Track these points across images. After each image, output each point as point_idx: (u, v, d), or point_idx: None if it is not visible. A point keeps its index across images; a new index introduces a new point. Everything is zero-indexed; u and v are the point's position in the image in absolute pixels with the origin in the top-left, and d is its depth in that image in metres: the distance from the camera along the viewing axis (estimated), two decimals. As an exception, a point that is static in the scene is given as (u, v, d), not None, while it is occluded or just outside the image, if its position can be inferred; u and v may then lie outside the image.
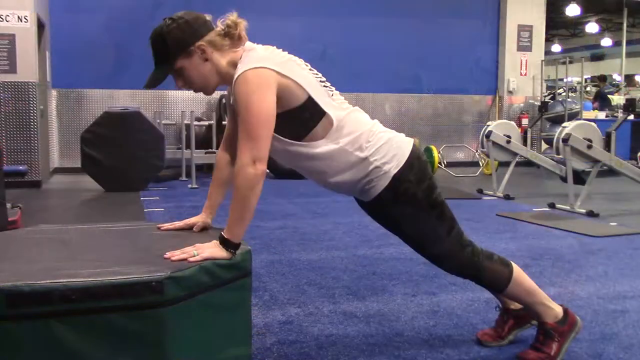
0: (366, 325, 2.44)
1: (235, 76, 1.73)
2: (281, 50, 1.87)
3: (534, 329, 2.17)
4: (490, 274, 2.04)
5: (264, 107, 1.70)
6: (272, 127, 1.72)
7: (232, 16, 1.83)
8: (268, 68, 1.73)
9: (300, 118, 1.80)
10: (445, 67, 9.81)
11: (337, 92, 1.95)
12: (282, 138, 1.82)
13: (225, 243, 1.65)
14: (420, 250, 2.05)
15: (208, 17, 1.83)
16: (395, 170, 1.90)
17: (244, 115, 1.70)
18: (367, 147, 1.88)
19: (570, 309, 2.16)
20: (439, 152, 8.60)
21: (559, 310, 2.10)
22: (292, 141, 1.83)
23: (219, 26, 1.82)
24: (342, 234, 4.26)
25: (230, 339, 1.68)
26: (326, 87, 1.89)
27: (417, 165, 1.94)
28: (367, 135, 1.89)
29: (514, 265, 2.09)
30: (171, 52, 1.76)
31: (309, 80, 1.82)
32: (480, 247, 2.07)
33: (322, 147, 1.84)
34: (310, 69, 1.89)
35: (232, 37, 1.81)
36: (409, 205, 1.94)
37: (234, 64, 1.80)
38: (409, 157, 1.92)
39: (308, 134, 1.83)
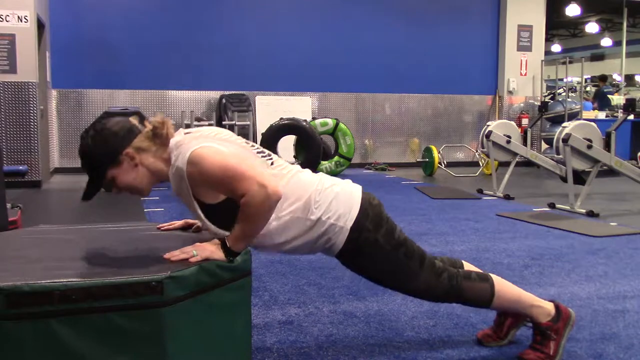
0: (366, 325, 2.44)
1: (184, 167, 1.66)
2: (207, 129, 1.85)
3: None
4: (472, 294, 2.03)
5: (227, 154, 1.67)
6: (250, 159, 1.71)
7: (157, 117, 1.79)
8: (208, 145, 1.70)
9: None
10: (445, 67, 9.81)
11: (275, 156, 1.92)
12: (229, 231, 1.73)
13: (227, 251, 1.65)
14: (400, 289, 2.05)
15: (133, 121, 1.79)
16: (351, 223, 1.88)
17: (219, 178, 1.65)
18: (316, 208, 1.85)
19: (561, 303, 2.15)
20: (439, 152, 8.60)
21: (550, 307, 2.10)
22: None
23: (146, 127, 1.78)
24: (342, 234, 4.25)
25: (230, 339, 1.68)
26: (264, 156, 1.87)
27: (372, 212, 1.92)
28: (314, 196, 1.86)
29: (494, 277, 2.08)
30: (100, 165, 1.74)
31: (248, 157, 1.77)
32: (454, 269, 2.06)
33: (272, 223, 1.81)
34: (246, 142, 1.88)
35: (160, 136, 1.77)
36: (373, 252, 1.93)
37: (166, 161, 1.77)
38: (361, 206, 1.90)
39: None
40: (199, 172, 1.66)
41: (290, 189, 1.84)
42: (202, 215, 1.77)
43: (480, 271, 2.13)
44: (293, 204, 1.84)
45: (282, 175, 1.85)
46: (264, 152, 1.89)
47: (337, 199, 1.89)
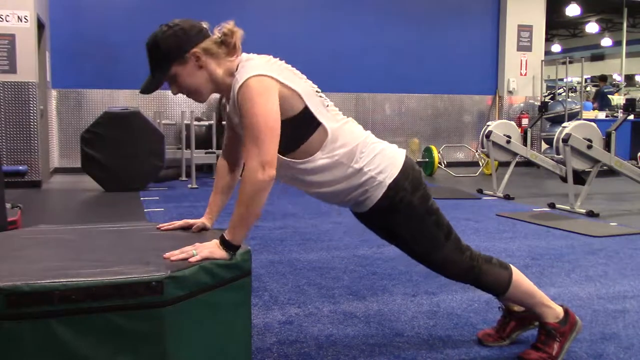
0: (366, 325, 2.44)
1: (237, 85, 1.72)
2: (278, 59, 1.86)
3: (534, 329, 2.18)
4: (490, 278, 2.04)
5: (269, 112, 1.70)
6: (277, 132, 1.72)
7: (229, 25, 1.82)
8: (269, 76, 1.73)
9: (296, 127, 1.80)
10: (445, 67, 9.81)
11: (332, 103, 1.94)
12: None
13: (225, 244, 1.65)
14: (420, 258, 2.05)
15: (205, 25, 1.83)
16: (390, 180, 1.90)
17: (249, 122, 1.69)
18: (361, 158, 1.88)
19: (570, 309, 2.16)
20: (439, 152, 8.59)
21: (559, 310, 2.11)
22: (287, 159, 1.83)
23: (215, 34, 1.81)
24: (342, 234, 4.26)
25: (230, 339, 1.68)
26: (321, 97, 1.89)
27: (412, 174, 1.95)
28: (361, 147, 1.89)
29: (513, 267, 2.10)
30: (165, 59, 1.76)
31: (306, 90, 1.82)
32: (478, 251, 2.07)
33: (317, 161, 1.85)
34: (306, 80, 1.89)
35: (227, 45, 1.80)
36: (406, 213, 1.94)
37: (229, 73, 1.80)
38: (403, 167, 1.93)
39: (303, 144, 1.82)
40: (241, 100, 1.70)
41: (340, 133, 1.87)
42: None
43: (501, 259, 2.13)
44: (340, 148, 1.86)
45: (336, 119, 1.89)
46: (321, 95, 1.90)
47: (381, 154, 1.92)
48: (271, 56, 1.87)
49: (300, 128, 1.81)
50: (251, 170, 1.66)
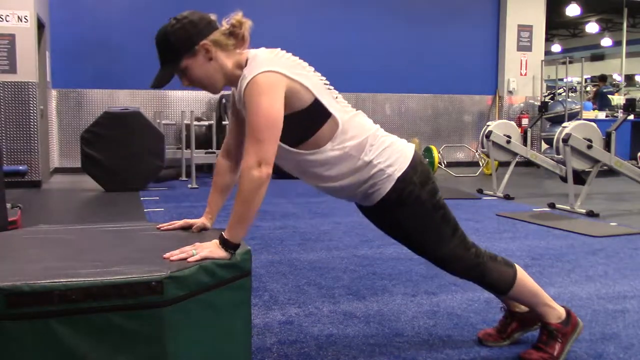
0: (366, 325, 2.44)
1: (245, 81, 1.73)
2: (285, 52, 1.87)
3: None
4: (495, 276, 2.04)
5: (272, 110, 1.70)
6: (279, 131, 1.73)
7: (237, 16, 1.82)
8: (276, 72, 1.74)
9: (306, 120, 1.81)
10: (445, 67, 9.81)
11: (341, 95, 1.95)
12: (286, 146, 1.83)
13: (225, 243, 1.65)
14: (425, 253, 2.04)
15: (213, 17, 1.83)
16: (399, 173, 1.90)
17: (251, 118, 1.70)
18: (370, 150, 1.89)
19: (572, 310, 2.16)
20: (439, 152, 8.60)
21: (561, 311, 2.11)
22: (297, 150, 1.84)
23: (224, 25, 1.82)
24: (342, 234, 4.26)
25: (230, 339, 1.68)
26: (330, 89, 1.90)
27: (420, 169, 1.95)
28: (371, 139, 1.90)
29: (518, 266, 2.10)
30: (176, 52, 1.77)
31: (315, 83, 1.83)
32: (483, 248, 2.07)
33: (327, 152, 1.85)
34: (315, 72, 1.89)
35: (236, 36, 1.81)
36: (414, 207, 1.94)
37: (238, 66, 1.81)
38: (412, 160, 1.93)
39: (313, 135, 1.83)
40: (247, 96, 1.71)
41: (350, 126, 1.87)
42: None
43: (506, 258, 2.13)
44: (349, 141, 1.86)
45: (346, 111, 1.89)
46: (330, 87, 1.90)
47: (391, 147, 1.93)
48: (279, 49, 1.88)
49: (310, 119, 1.82)
50: (248, 168, 1.67)
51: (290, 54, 1.87)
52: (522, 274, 2.08)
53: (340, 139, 1.85)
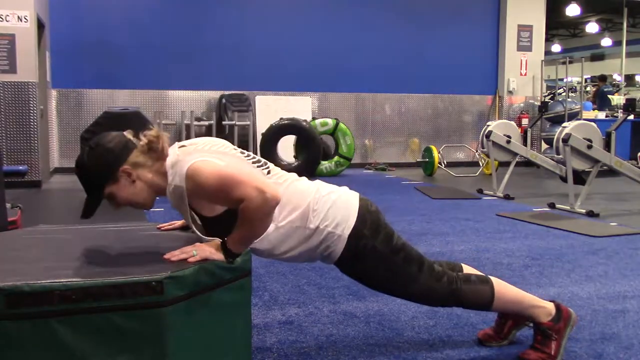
0: (366, 325, 2.44)
1: (181, 179, 1.67)
2: (204, 143, 1.83)
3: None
4: (472, 297, 2.02)
5: (222, 166, 1.67)
6: (243, 167, 1.72)
7: (152, 131, 1.78)
8: (203, 159, 1.70)
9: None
10: (445, 67, 9.81)
11: (271, 165, 1.92)
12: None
13: (227, 252, 1.64)
14: (399, 295, 2.05)
15: (128, 135, 1.78)
16: (349, 231, 1.88)
17: (216, 187, 1.64)
18: (314, 216, 1.86)
19: (562, 303, 2.15)
20: (439, 152, 8.60)
21: (550, 307, 2.10)
22: None
23: (142, 141, 1.77)
24: (342, 234, 4.25)
25: (230, 339, 1.68)
26: (260, 166, 1.86)
27: (369, 218, 1.93)
28: (312, 204, 1.87)
29: (493, 279, 2.08)
30: (97, 182, 1.74)
31: (243, 167, 1.77)
32: (454, 273, 2.05)
33: (272, 234, 1.83)
34: (241, 152, 1.87)
35: (155, 150, 1.76)
36: (373, 258, 1.93)
37: (163, 175, 1.75)
38: (359, 213, 1.91)
39: None
40: (196, 185, 1.66)
41: (287, 198, 1.84)
42: (197, 231, 1.78)
43: (480, 274, 2.13)
44: (291, 214, 1.85)
45: (279, 184, 1.85)
46: (259, 162, 1.89)
47: (334, 206, 1.89)
48: (195, 144, 1.83)
49: None
50: (253, 200, 1.61)
51: (208, 140, 1.85)
52: (500, 286, 2.06)
53: (282, 216, 1.83)
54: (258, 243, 1.83)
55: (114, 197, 1.76)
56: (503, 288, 2.07)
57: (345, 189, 2.00)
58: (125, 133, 1.78)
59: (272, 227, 1.81)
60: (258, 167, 1.86)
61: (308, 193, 1.89)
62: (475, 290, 2.03)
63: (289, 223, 1.85)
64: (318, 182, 1.98)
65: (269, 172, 1.87)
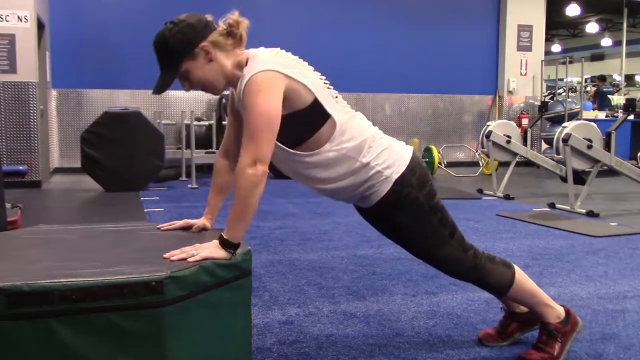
0: (366, 325, 2.44)
1: (244, 80, 1.73)
2: (284, 51, 1.86)
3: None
4: (493, 277, 2.04)
5: (269, 109, 1.70)
6: (275, 130, 1.72)
7: (234, 15, 1.83)
8: (275, 71, 1.73)
9: (305, 120, 1.80)
10: (445, 67, 9.81)
11: (340, 95, 1.95)
12: (284, 147, 1.82)
13: (224, 243, 1.65)
14: (423, 255, 2.04)
15: (210, 18, 1.83)
16: (397, 175, 1.90)
17: (248, 117, 1.70)
18: (368, 152, 1.88)
19: (571, 309, 2.16)
20: (439, 152, 8.60)
21: (560, 310, 2.11)
22: (295, 151, 1.84)
23: (221, 26, 1.82)
24: (342, 234, 4.26)
25: (230, 339, 1.68)
26: (330, 89, 1.89)
27: (419, 171, 1.95)
28: (369, 141, 1.89)
29: (516, 267, 2.10)
30: (175, 56, 1.76)
31: (315, 83, 1.82)
32: (481, 250, 2.07)
33: (324, 154, 1.85)
34: (315, 71, 1.89)
35: (234, 36, 1.81)
36: (412, 209, 1.93)
37: (238, 66, 1.80)
38: (410, 163, 1.93)
39: (312, 136, 1.82)
40: (245, 94, 1.71)
41: (349, 126, 1.86)
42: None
43: (504, 259, 2.14)
44: (348, 142, 1.86)
45: (345, 112, 1.88)
46: (330, 87, 1.90)
47: (389, 149, 1.92)
48: (279, 48, 1.87)
49: (310, 120, 1.81)
50: (244, 167, 1.66)
51: (289, 53, 1.87)
52: (520, 274, 2.08)
53: (338, 140, 1.85)
54: (304, 165, 1.86)
55: (188, 75, 1.79)
56: (523, 278, 2.09)
57: (402, 142, 2.02)
58: (207, 15, 1.82)
59: (326, 147, 1.83)
60: (329, 89, 1.87)
61: (368, 130, 1.92)
62: (498, 271, 2.05)
63: (342, 149, 1.85)
64: (377, 127, 1.99)
65: (337, 98, 1.89)
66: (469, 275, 2.04)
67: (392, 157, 1.91)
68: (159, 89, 1.80)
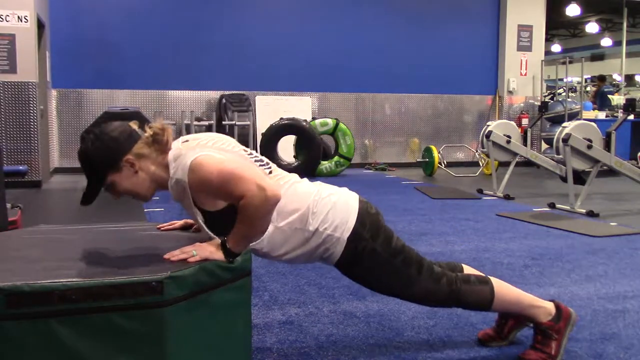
0: (366, 325, 2.44)
1: (183, 173, 1.67)
2: (208, 138, 1.84)
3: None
4: (473, 297, 2.02)
5: (221, 163, 1.66)
6: (243, 163, 1.71)
7: (158, 123, 1.79)
8: (206, 153, 1.70)
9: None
10: (445, 67, 9.82)
11: (274, 165, 1.92)
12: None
13: (227, 252, 1.64)
14: (399, 296, 2.05)
15: (133, 126, 1.78)
16: (348, 233, 1.88)
17: (218, 181, 1.64)
18: (314, 219, 1.86)
19: (561, 302, 2.15)
20: (439, 152, 8.60)
21: (550, 306, 2.10)
22: None
23: (147, 132, 1.77)
24: (342, 234, 4.25)
25: (230, 339, 1.68)
26: (262, 165, 1.86)
27: (369, 221, 1.92)
28: (312, 207, 1.86)
29: (493, 279, 2.08)
30: (100, 171, 1.74)
31: (245, 164, 1.77)
32: (453, 274, 2.05)
33: (271, 236, 1.83)
34: (244, 149, 1.87)
35: (159, 142, 1.77)
36: (372, 260, 1.93)
37: (165, 168, 1.76)
38: (358, 216, 1.90)
39: None
40: (198, 179, 1.66)
41: (287, 200, 1.84)
42: (202, 224, 1.77)
43: (480, 274, 2.13)
44: (291, 215, 1.85)
45: (280, 185, 1.85)
46: (262, 161, 1.89)
47: (334, 209, 1.89)
48: (199, 139, 1.83)
49: None
50: (254, 197, 1.61)
51: (212, 136, 1.85)
52: (499, 286, 2.06)
53: (282, 218, 1.83)
54: (257, 244, 1.84)
55: (115, 187, 1.76)
56: (503, 288, 2.07)
57: (345, 190, 1.99)
58: (130, 123, 1.78)
59: (271, 228, 1.82)
60: (260, 165, 1.85)
61: (308, 195, 1.89)
62: (475, 291, 2.03)
63: (288, 225, 1.84)
64: (318, 184, 1.98)
65: (270, 172, 1.87)
66: (449, 302, 2.04)
67: (338, 216, 1.88)
68: (87, 200, 1.77)
